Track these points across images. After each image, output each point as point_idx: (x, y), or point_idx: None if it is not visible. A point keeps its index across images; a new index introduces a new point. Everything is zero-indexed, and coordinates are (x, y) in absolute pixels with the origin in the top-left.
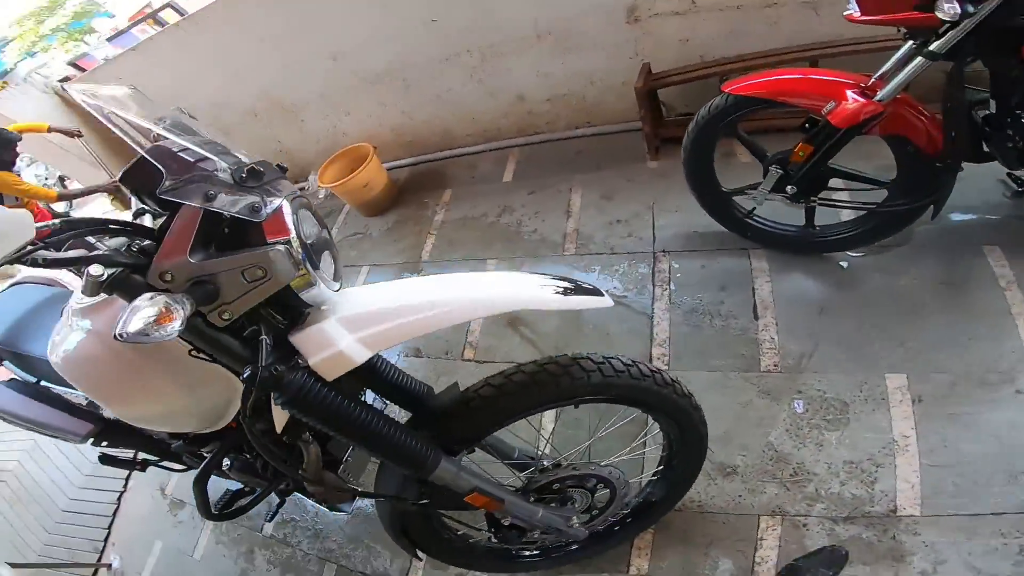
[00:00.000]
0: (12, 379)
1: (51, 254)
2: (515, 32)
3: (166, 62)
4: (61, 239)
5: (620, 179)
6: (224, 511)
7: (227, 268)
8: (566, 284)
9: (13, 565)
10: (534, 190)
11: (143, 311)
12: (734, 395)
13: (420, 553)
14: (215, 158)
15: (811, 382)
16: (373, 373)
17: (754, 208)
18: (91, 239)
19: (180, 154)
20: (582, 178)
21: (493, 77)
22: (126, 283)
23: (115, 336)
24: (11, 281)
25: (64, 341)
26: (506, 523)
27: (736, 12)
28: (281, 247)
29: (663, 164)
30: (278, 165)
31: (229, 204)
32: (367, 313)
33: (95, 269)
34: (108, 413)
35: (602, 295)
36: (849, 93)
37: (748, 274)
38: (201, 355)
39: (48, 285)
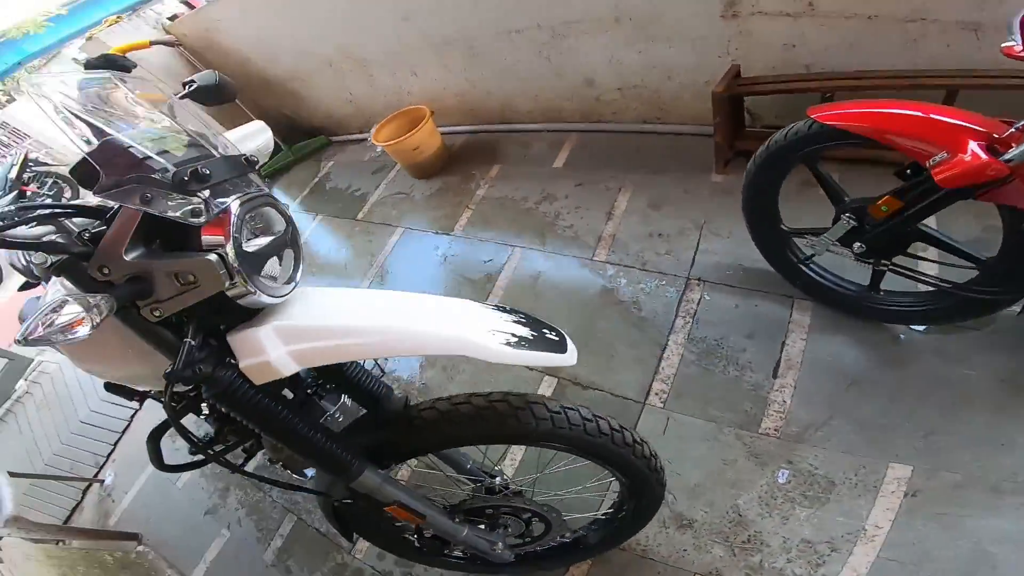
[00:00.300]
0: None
1: (6, 235)
2: (591, 11)
3: (260, 9)
4: (28, 218)
5: (676, 188)
6: (180, 464)
7: (159, 270)
8: (525, 332)
9: (12, 474)
10: (582, 182)
11: (58, 317)
12: (721, 450)
13: (354, 536)
14: (159, 159)
15: (806, 455)
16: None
17: (813, 255)
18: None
19: (129, 150)
20: (635, 179)
21: (562, 56)
22: (71, 269)
23: (15, 340)
24: None
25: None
26: (428, 534)
27: (866, 23)
28: (213, 257)
29: (729, 180)
30: (246, 159)
31: (166, 207)
32: (304, 328)
33: (37, 257)
34: None
35: (564, 351)
36: (971, 145)
37: (784, 326)
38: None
39: None
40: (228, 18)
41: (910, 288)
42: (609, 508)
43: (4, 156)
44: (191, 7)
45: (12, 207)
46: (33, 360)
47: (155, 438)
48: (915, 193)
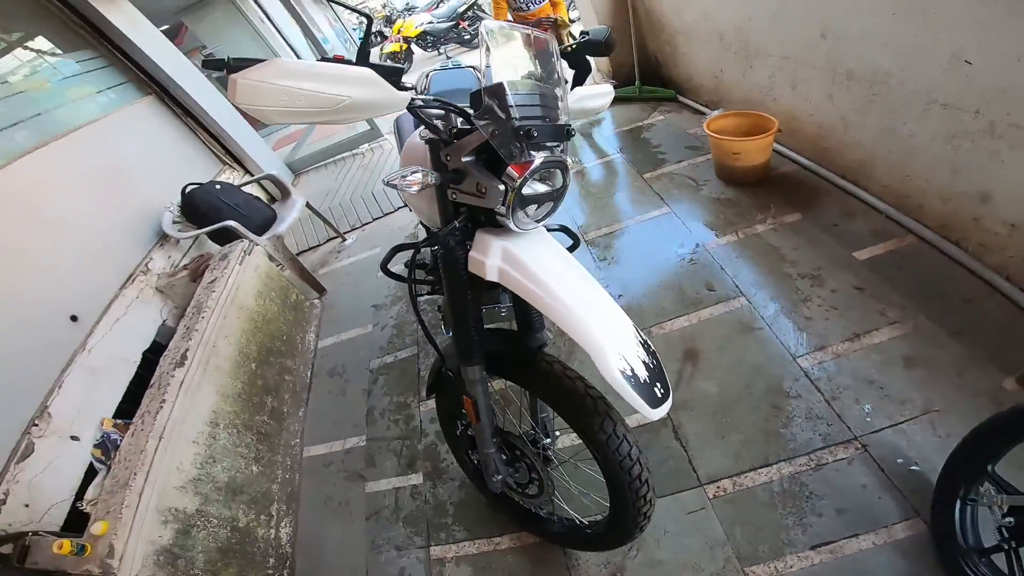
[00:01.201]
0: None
1: (419, 108)
2: None
3: None
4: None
5: (953, 361)
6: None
7: (472, 175)
8: (643, 373)
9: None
10: (864, 288)
11: (408, 177)
12: (707, 557)
13: (431, 395)
14: (515, 111)
15: None
16: None
17: (979, 499)
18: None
19: (505, 93)
20: (922, 324)
21: (974, 156)
22: (433, 145)
23: (383, 181)
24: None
25: (412, 135)
26: (469, 432)
27: None
28: (501, 186)
29: (1018, 395)
30: (567, 130)
31: (498, 142)
32: (518, 259)
33: (423, 132)
34: None
35: (655, 407)
36: None
37: (880, 530)
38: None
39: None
40: None
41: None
42: (590, 522)
43: None
44: None
45: (430, 96)
46: (382, 135)
47: (391, 254)
48: None
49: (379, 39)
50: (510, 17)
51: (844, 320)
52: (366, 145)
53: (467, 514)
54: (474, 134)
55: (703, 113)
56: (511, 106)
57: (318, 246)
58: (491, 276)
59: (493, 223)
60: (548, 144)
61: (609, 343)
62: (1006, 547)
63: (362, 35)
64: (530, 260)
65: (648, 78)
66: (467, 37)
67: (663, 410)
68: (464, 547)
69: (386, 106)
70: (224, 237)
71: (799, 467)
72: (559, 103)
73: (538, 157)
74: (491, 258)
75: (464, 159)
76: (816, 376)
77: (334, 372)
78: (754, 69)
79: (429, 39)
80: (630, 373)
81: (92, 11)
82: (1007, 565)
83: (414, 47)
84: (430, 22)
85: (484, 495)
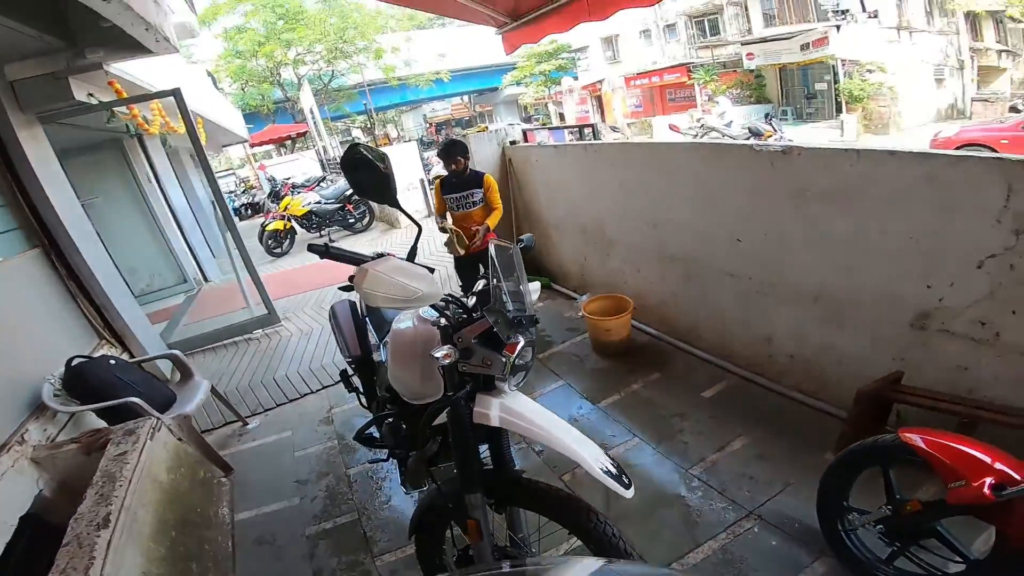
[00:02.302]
0: (351, 302)
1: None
2: (797, 284)
3: (563, 165)
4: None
5: (787, 452)
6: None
7: (477, 351)
8: (614, 470)
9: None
10: (716, 416)
11: (441, 351)
12: None
13: (410, 536)
14: (509, 302)
15: None
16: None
17: (855, 527)
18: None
19: (502, 296)
20: (759, 433)
21: (757, 310)
22: (444, 331)
23: (430, 355)
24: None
25: (402, 320)
26: (471, 553)
27: None
28: (503, 360)
29: None
30: (535, 319)
31: (502, 329)
32: (513, 410)
33: (421, 322)
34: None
35: (627, 488)
36: (986, 480)
37: (801, 568)
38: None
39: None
40: (542, 161)
41: (913, 570)
42: None
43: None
44: (527, 140)
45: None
46: (279, 321)
47: (365, 428)
48: (934, 502)
49: (248, 211)
50: (453, 208)
51: (710, 439)
52: (260, 330)
53: None
54: (479, 322)
55: (573, 298)
56: (507, 303)
57: (212, 429)
58: (494, 423)
59: (483, 390)
60: (525, 328)
61: (590, 455)
62: (897, 549)
63: (414, 242)
64: (522, 410)
65: (527, 266)
66: (351, 221)
67: (632, 491)
68: None
69: (434, 297)
70: (115, 414)
71: (721, 541)
72: (527, 299)
73: (522, 340)
74: (494, 411)
75: (473, 341)
76: (706, 478)
77: (262, 541)
78: (610, 257)
79: (315, 219)
80: (606, 470)
81: (9, 133)
82: (911, 562)
83: (297, 227)
84: (318, 202)
85: None
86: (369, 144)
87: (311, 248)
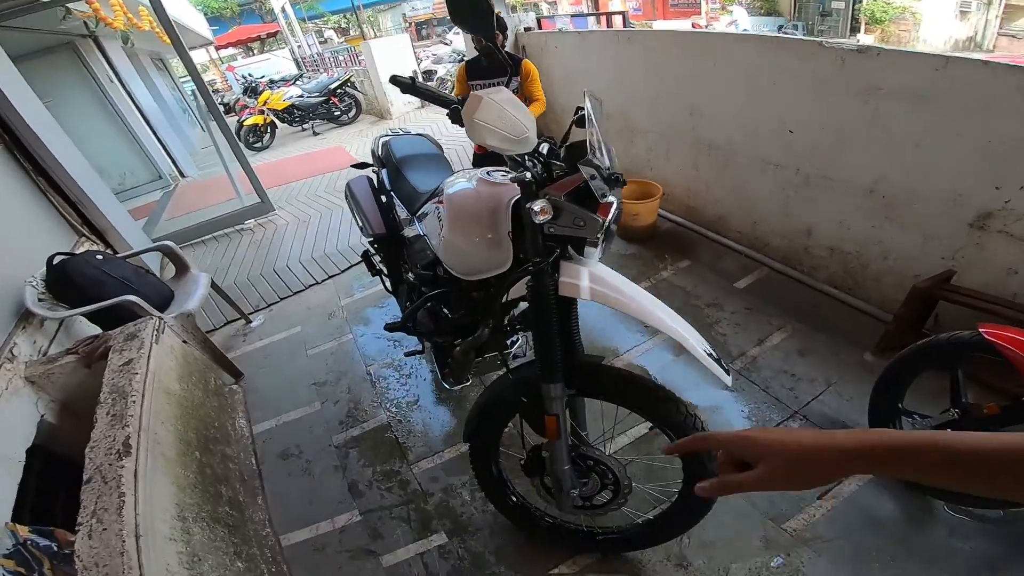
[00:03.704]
0: (368, 178)
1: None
2: (856, 176)
3: (590, 54)
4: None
5: (828, 348)
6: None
7: (571, 210)
8: (716, 354)
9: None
10: (753, 308)
11: (539, 204)
12: (744, 526)
13: (465, 439)
14: (607, 159)
15: (804, 555)
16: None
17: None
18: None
19: (601, 147)
20: (798, 326)
21: (799, 201)
22: (528, 186)
23: (527, 207)
24: (415, 132)
25: (456, 182)
26: (544, 454)
27: None
28: (599, 220)
29: (878, 363)
30: (623, 180)
31: (597, 187)
32: (606, 280)
33: (525, 175)
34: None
35: (728, 375)
36: None
37: None
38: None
39: (435, 145)
40: (561, 48)
41: None
42: (655, 513)
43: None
44: (540, 27)
45: (542, 160)
46: (273, 210)
47: (413, 313)
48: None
49: (231, 109)
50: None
51: (747, 332)
52: (252, 220)
53: (513, 558)
54: (572, 176)
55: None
56: (604, 159)
57: (215, 330)
58: (584, 296)
59: (566, 253)
60: (615, 187)
61: (691, 335)
62: None
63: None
64: (615, 282)
65: None
66: (336, 113)
67: (731, 378)
68: None
69: (532, 144)
70: (109, 318)
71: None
72: (612, 158)
73: (615, 199)
74: (584, 281)
75: (562, 196)
76: (748, 374)
77: (287, 454)
78: (635, 143)
79: (297, 113)
80: (710, 353)
81: None
82: None
83: (278, 121)
84: (300, 95)
85: (526, 532)
86: None
87: (394, 80)
